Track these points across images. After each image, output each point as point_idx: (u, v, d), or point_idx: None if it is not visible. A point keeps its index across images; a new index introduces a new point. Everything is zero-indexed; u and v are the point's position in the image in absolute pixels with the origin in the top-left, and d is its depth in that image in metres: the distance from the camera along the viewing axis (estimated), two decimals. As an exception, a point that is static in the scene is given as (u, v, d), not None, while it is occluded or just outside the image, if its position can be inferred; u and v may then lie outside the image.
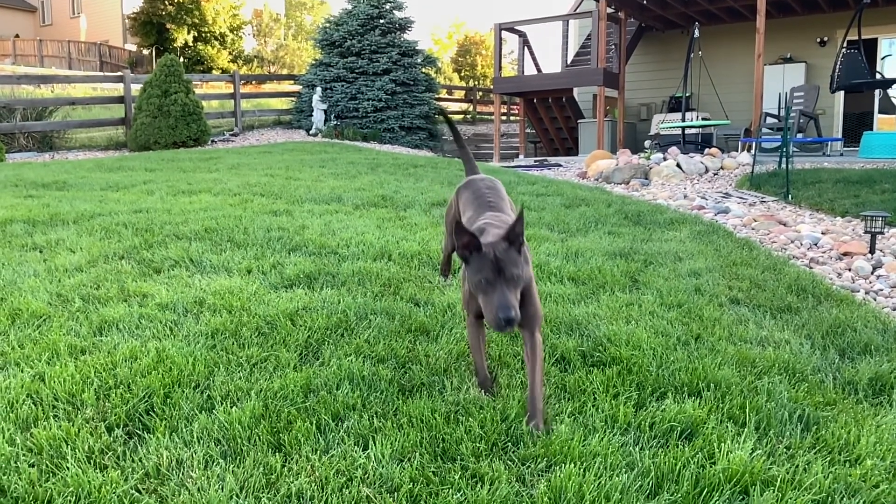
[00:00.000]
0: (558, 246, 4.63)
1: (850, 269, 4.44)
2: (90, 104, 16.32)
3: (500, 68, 15.53)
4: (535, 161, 14.04)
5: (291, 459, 2.05)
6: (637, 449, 2.16)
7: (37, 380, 2.50)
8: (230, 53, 32.54)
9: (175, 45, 30.01)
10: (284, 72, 33.76)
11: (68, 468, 1.97)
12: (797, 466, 2.06)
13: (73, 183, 7.49)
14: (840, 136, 13.69)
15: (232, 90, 16.43)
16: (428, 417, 2.26)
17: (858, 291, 3.99)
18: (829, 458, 2.12)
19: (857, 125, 13.77)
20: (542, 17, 15.90)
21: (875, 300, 3.87)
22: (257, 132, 16.39)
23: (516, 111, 22.20)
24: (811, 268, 4.50)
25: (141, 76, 15.01)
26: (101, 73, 26.11)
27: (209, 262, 4.03)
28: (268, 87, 24.04)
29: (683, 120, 12.47)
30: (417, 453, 2.06)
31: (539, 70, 16.61)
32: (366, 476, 1.96)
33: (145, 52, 31.70)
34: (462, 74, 40.65)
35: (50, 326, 3.03)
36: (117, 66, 30.38)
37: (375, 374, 2.58)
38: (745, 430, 2.24)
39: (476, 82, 37.08)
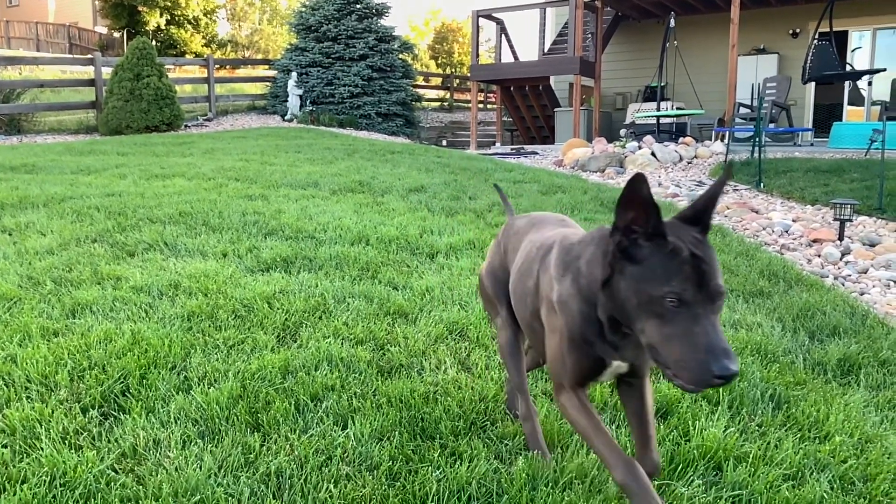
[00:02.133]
0: (535, 231, 4.66)
1: (819, 256, 4.53)
2: (59, 87, 16.02)
3: (478, 56, 15.49)
4: (512, 149, 14.06)
5: (270, 439, 2.05)
6: (614, 427, 2.19)
7: (8, 361, 2.47)
8: (204, 37, 32.06)
9: (147, 27, 29.49)
10: (259, 56, 33.36)
11: (42, 448, 1.94)
12: (769, 443, 2.11)
13: (43, 166, 7.35)
14: (811, 126, 13.89)
15: (206, 74, 16.20)
16: (407, 397, 2.27)
17: (827, 277, 4.07)
18: (799, 435, 2.17)
19: (827, 116, 13.97)
20: (520, 4, 15.88)
21: (843, 285, 3.95)
22: (231, 117, 16.19)
23: (493, 99, 22.20)
24: (782, 254, 4.58)
25: (112, 59, 14.74)
26: (71, 56, 25.60)
27: (184, 245, 3.99)
28: (242, 71, 23.73)
29: (658, 109, 12.56)
30: (396, 432, 2.07)
31: (516, 58, 16.60)
32: (345, 455, 1.97)
33: (116, 34, 31.11)
34: (439, 62, 40.50)
35: (21, 309, 2.99)
36: (87, 48, 29.78)
37: (354, 356, 2.58)
38: (719, 408, 2.29)
39: (453, 70, 36.97)
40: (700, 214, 1.34)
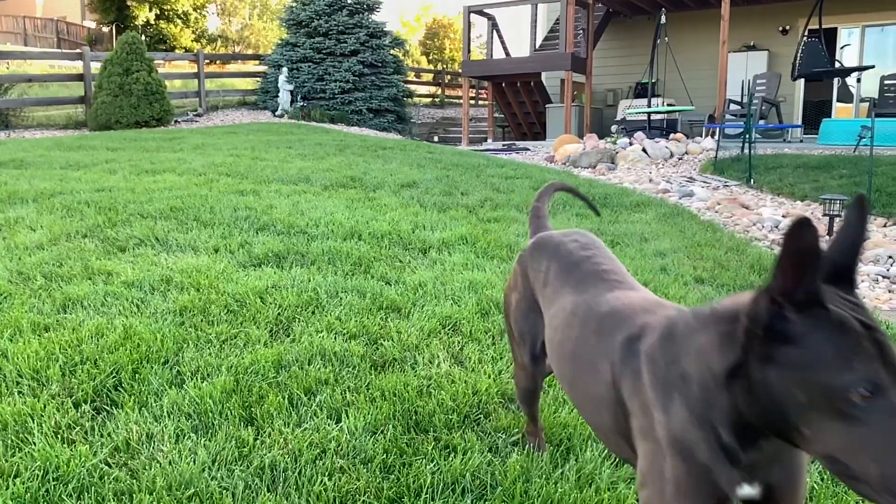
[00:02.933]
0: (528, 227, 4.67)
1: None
2: (47, 81, 15.88)
3: (469, 52, 15.47)
4: (504, 145, 14.06)
5: (264, 433, 2.05)
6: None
7: (-1, 356, 2.45)
8: (193, 32, 31.88)
9: (136, 22, 29.28)
10: (249, 52, 33.20)
11: (35, 443, 1.94)
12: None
13: (32, 161, 7.30)
14: (800, 122, 13.96)
15: (196, 70, 16.11)
16: (400, 391, 2.28)
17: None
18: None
19: (816, 113, 14.04)
20: (511, 0, 15.87)
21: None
22: (222, 112, 16.12)
23: (485, 95, 22.19)
24: (772, 249, 4.61)
25: (101, 54, 14.65)
26: (60, 51, 25.40)
27: (175, 240, 3.97)
28: (232, 67, 23.62)
29: (649, 106, 12.59)
30: (390, 426, 2.08)
31: (508, 54, 16.59)
32: (339, 448, 1.97)
33: (105, 29, 30.90)
34: (430, 58, 40.43)
35: (11, 304, 2.97)
36: (75, 43, 29.54)
37: (347, 350, 2.58)
38: None
39: (444, 66, 36.94)
40: (844, 269, 1.00)
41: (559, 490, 1.79)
